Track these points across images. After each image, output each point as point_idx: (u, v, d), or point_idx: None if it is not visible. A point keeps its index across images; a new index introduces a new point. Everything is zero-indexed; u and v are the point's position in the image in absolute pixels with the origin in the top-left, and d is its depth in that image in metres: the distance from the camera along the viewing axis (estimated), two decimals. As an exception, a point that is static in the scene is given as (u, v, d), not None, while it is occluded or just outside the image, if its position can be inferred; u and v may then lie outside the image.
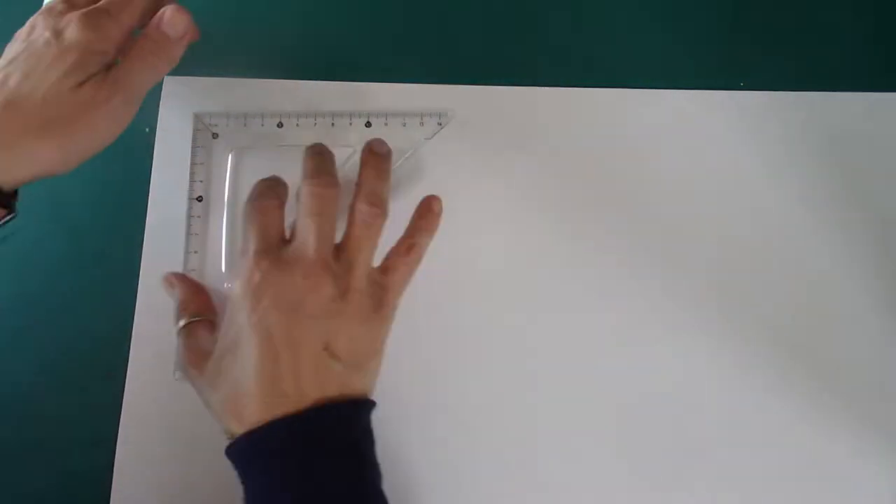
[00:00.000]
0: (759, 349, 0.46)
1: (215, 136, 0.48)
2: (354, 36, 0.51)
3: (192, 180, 0.48)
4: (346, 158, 0.47)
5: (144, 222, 0.48)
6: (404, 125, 0.48)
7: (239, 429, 0.37)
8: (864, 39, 0.50)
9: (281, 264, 0.38)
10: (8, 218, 0.39)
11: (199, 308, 0.43)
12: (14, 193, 0.39)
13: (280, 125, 0.48)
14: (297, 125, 0.48)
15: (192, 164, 0.48)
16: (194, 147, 0.48)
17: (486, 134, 0.48)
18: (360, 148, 0.46)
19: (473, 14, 0.51)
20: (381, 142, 0.44)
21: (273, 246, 0.39)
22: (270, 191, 0.42)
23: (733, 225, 0.47)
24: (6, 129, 0.37)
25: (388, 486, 0.42)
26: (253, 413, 0.37)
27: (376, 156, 0.43)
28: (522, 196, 0.48)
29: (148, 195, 0.48)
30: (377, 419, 0.42)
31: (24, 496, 0.45)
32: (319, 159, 0.42)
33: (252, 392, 0.37)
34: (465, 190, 0.48)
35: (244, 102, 0.49)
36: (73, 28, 0.39)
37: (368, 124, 0.48)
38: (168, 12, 0.41)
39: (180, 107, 0.49)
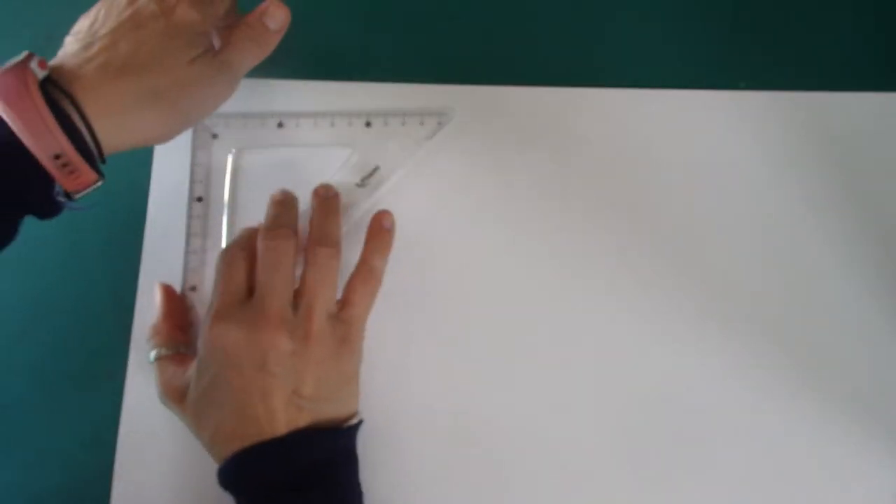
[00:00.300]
0: (760, 348, 0.45)
1: (215, 136, 0.48)
2: (354, 35, 0.51)
3: (192, 181, 0.47)
4: (346, 160, 0.47)
5: (144, 223, 0.48)
6: (404, 125, 0.48)
7: (224, 455, 0.40)
8: (864, 39, 0.50)
9: (241, 325, 0.40)
10: (100, 183, 0.39)
11: (169, 338, 0.44)
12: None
13: (280, 125, 0.48)
14: (297, 125, 0.48)
15: (192, 164, 0.48)
16: (194, 148, 0.48)
17: (486, 134, 0.48)
18: (359, 149, 0.47)
19: (473, 14, 0.51)
20: (326, 187, 0.45)
21: (234, 304, 0.41)
22: (243, 241, 0.43)
23: (733, 224, 0.47)
24: (121, 95, 0.38)
25: (386, 485, 0.43)
26: (234, 445, 0.39)
27: (323, 199, 0.45)
28: (522, 196, 0.47)
29: (148, 196, 0.48)
30: (375, 422, 0.43)
31: (25, 496, 0.45)
32: (278, 210, 0.44)
33: (232, 432, 0.39)
34: (465, 190, 0.47)
35: (243, 102, 0.48)
36: (183, 8, 0.41)
37: (368, 124, 0.48)
38: (270, 6, 0.44)
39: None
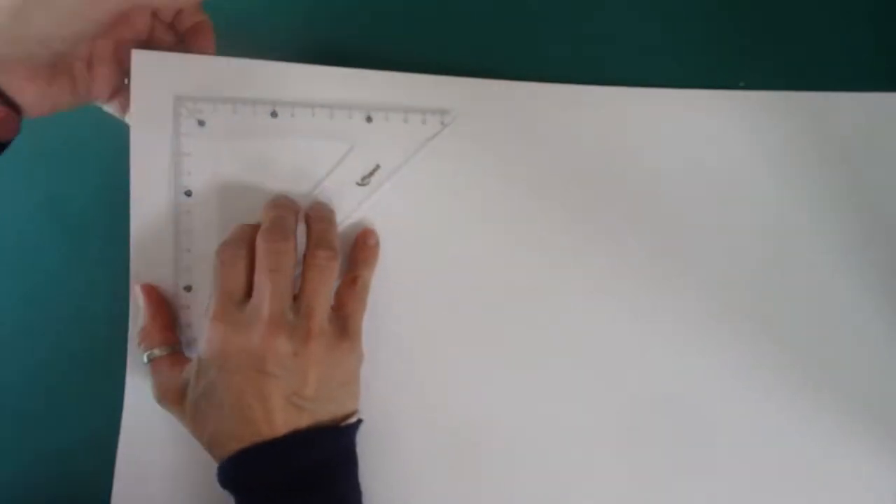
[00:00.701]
0: (760, 349, 0.46)
1: (202, 123, 0.45)
2: (355, 19, 0.47)
3: (178, 173, 0.45)
4: (344, 155, 0.45)
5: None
6: (406, 122, 0.45)
7: (223, 455, 0.40)
8: (865, 39, 0.49)
9: (239, 327, 0.40)
10: None
11: (160, 339, 0.44)
12: None
13: (274, 114, 0.45)
14: (293, 115, 0.45)
15: (178, 154, 0.45)
16: (178, 136, 0.45)
17: (488, 132, 0.46)
18: (359, 144, 0.45)
19: (473, 9, 0.49)
20: (321, 204, 0.45)
21: (233, 305, 0.41)
22: (240, 240, 0.42)
23: (733, 225, 0.47)
24: None
25: (385, 486, 0.44)
26: (233, 445, 0.40)
27: (319, 210, 0.44)
28: (523, 197, 0.46)
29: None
30: (375, 422, 0.44)
31: (25, 496, 0.46)
32: (278, 212, 0.43)
33: (231, 433, 0.40)
34: (468, 192, 0.46)
35: (232, 86, 0.45)
36: None
37: (369, 119, 0.45)
38: None
39: (156, 89, 0.44)
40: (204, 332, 0.41)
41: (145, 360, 0.43)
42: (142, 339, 0.44)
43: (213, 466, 0.40)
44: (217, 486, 0.40)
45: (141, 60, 0.44)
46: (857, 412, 0.46)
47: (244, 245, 0.42)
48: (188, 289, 0.45)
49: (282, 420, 0.39)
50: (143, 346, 0.43)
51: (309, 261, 0.42)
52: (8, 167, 0.44)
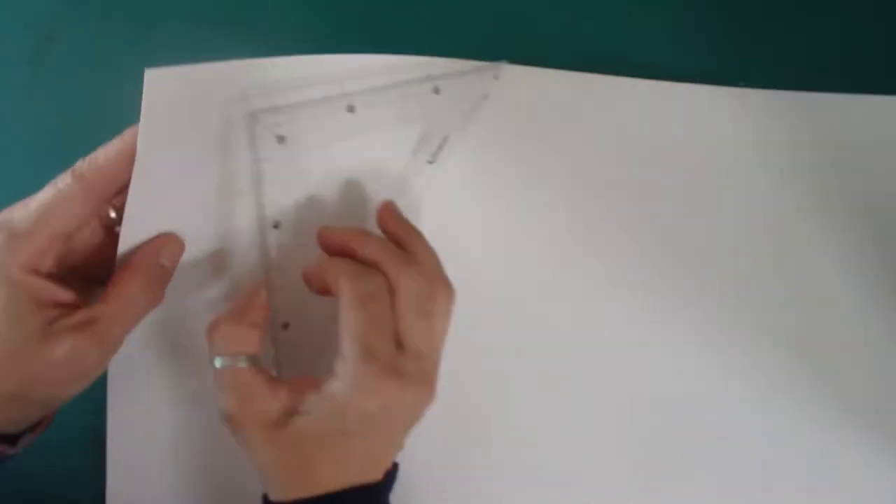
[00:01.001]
0: (761, 349, 0.46)
1: (281, 139, 0.35)
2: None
3: (261, 203, 0.35)
4: (417, 135, 0.40)
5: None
6: (467, 86, 0.41)
7: (297, 492, 0.34)
8: (865, 39, 0.50)
9: (405, 380, 0.35)
10: None
11: (252, 347, 0.35)
12: None
13: (351, 109, 0.37)
14: (369, 105, 0.37)
15: (260, 182, 0.35)
16: (258, 160, 0.35)
17: (482, 127, 0.43)
18: (428, 120, 0.41)
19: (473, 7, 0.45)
20: (389, 206, 0.39)
21: (392, 355, 0.35)
22: (362, 269, 0.35)
23: (732, 224, 0.46)
24: None
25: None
26: (326, 488, 0.35)
27: (396, 214, 0.39)
28: (518, 196, 0.45)
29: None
30: None
31: (23, 496, 0.43)
32: (377, 242, 0.37)
33: (331, 476, 0.35)
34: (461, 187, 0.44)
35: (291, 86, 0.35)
36: None
37: (437, 90, 0.39)
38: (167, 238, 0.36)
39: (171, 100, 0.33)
40: (357, 375, 0.34)
41: (218, 364, 0.35)
42: (229, 339, 0.35)
43: (209, 463, 0.40)
44: (208, 483, 0.40)
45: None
46: (857, 412, 0.45)
47: (372, 275, 0.35)
48: (285, 326, 0.38)
49: (384, 464, 0.36)
50: (227, 347, 0.35)
51: (441, 306, 0.36)
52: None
